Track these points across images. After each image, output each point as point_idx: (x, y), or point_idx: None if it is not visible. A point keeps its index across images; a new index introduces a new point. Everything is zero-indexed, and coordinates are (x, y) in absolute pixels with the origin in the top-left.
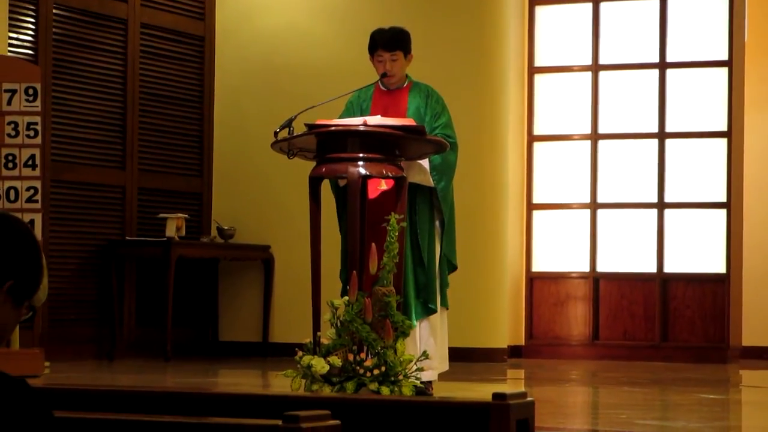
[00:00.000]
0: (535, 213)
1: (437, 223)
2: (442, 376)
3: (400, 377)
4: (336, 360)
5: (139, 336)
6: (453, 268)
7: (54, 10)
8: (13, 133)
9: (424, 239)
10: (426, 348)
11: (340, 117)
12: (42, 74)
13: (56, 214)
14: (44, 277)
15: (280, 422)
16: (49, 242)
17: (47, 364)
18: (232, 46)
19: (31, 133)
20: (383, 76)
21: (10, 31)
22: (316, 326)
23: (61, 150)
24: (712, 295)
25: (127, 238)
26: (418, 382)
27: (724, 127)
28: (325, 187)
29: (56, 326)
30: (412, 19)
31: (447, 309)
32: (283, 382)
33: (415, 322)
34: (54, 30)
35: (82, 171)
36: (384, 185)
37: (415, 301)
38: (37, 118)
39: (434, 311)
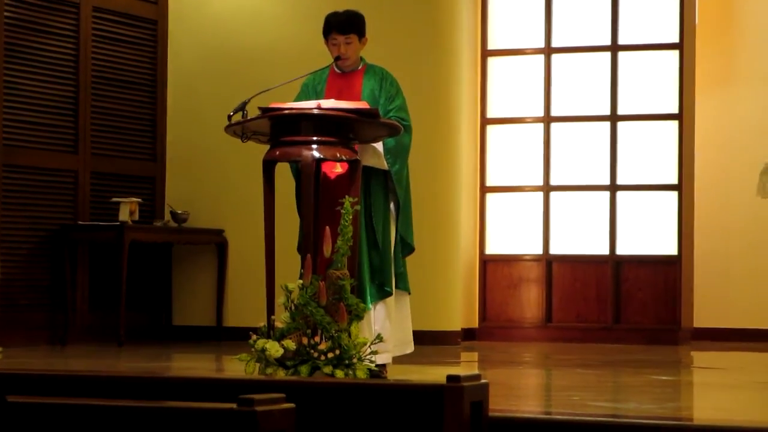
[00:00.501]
0: (489, 196)
1: (392, 206)
2: (401, 359)
3: (354, 360)
4: (290, 343)
5: (92, 321)
6: (410, 249)
7: None
8: None
9: (378, 222)
10: (381, 331)
11: (296, 100)
12: None
13: (8, 198)
14: None
15: (234, 406)
16: (1, 227)
17: (0, 349)
18: (184, 30)
19: None
20: (337, 59)
21: None
22: (270, 310)
23: (12, 134)
24: (664, 277)
25: (79, 222)
26: (373, 365)
27: (675, 110)
28: (279, 170)
29: (8, 311)
30: (365, 3)
31: (408, 293)
32: (237, 366)
33: (369, 305)
34: (6, 13)
35: (34, 155)
36: (339, 168)
37: (370, 284)
38: None
39: (390, 294)
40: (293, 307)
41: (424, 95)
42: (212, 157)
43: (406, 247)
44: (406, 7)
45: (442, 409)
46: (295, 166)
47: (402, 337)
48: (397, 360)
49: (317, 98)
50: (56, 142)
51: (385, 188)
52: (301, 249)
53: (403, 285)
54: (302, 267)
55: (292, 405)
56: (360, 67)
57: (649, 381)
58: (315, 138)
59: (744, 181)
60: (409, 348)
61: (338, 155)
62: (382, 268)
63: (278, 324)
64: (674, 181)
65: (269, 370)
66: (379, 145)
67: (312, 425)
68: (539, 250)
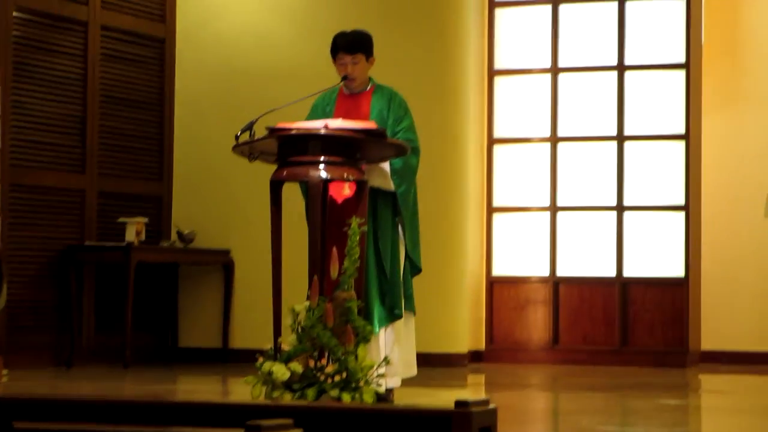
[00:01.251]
0: (495, 216)
1: (400, 227)
2: (408, 382)
3: (361, 383)
4: (297, 366)
5: (98, 342)
6: (417, 270)
7: (14, 13)
8: None
9: (386, 245)
10: (391, 354)
11: (306, 119)
12: (1, 77)
13: (15, 218)
14: (4, 284)
15: (242, 431)
16: (8, 248)
17: (5, 371)
18: (192, 49)
19: None
20: (344, 78)
21: None
22: (277, 332)
23: (19, 154)
24: (672, 298)
25: (86, 242)
26: (380, 388)
27: (682, 130)
28: (286, 190)
29: (14, 333)
30: (373, 22)
31: (414, 314)
32: (243, 389)
33: (377, 329)
34: (14, 32)
35: (41, 175)
36: (347, 190)
37: (379, 307)
38: None
39: (400, 317)
40: (300, 329)
41: (431, 115)
42: (219, 177)
43: (413, 268)
44: (413, 27)
45: None
46: (304, 186)
47: (408, 359)
48: (405, 383)
49: (325, 119)
50: (63, 162)
51: (392, 210)
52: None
53: (409, 306)
54: (309, 288)
55: (300, 430)
56: (368, 88)
57: (657, 405)
58: (322, 158)
59: (751, 201)
60: (413, 371)
61: (345, 175)
62: (391, 291)
63: (285, 346)
64: (681, 202)
65: (276, 393)
66: (385, 166)
67: None
68: (546, 272)
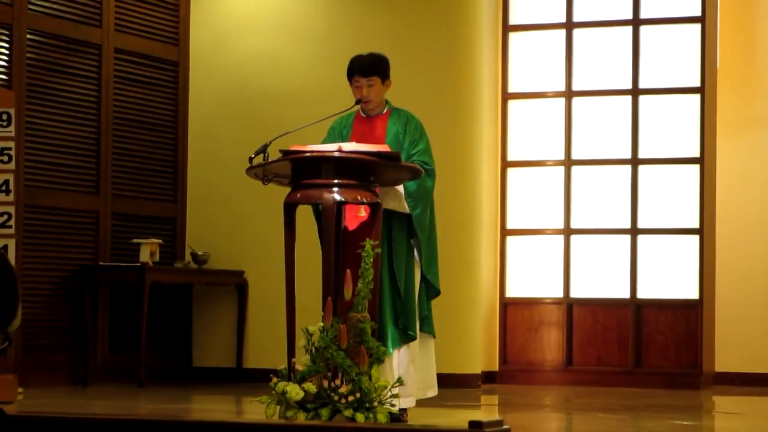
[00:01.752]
0: (509, 239)
1: (416, 249)
2: (422, 402)
3: (375, 404)
4: (311, 386)
5: (113, 362)
6: (436, 292)
7: (28, 35)
8: None
9: (400, 267)
10: (405, 375)
11: (323, 142)
12: (16, 99)
13: (30, 239)
14: (19, 307)
15: None
16: (23, 268)
17: (20, 390)
18: (206, 72)
19: (5, 158)
20: (358, 101)
21: None
22: (291, 352)
23: (34, 175)
24: (685, 320)
25: (100, 263)
26: (394, 408)
27: (696, 154)
28: (300, 213)
29: (29, 352)
30: (387, 45)
31: (433, 336)
32: (257, 409)
33: (391, 350)
34: (28, 55)
35: (56, 196)
36: (363, 212)
37: (393, 327)
38: (11, 144)
39: (414, 338)
40: (314, 350)
41: (445, 137)
42: (233, 198)
43: (431, 289)
44: (428, 50)
45: None
46: (316, 210)
47: (426, 380)
48: (419, 403)
49: (342, 141)
50: (78, 183)
51: (408, 232)
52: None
53: (428, 328)
54: (323, 309)
55: None
56: (385, 111)
57: (671, 426)
58: (336, 181)
59: (766, 224)
60: (433, 391)
61: (359, 198)
62: (406, 312)
63: (299, 366)
64: (696, 224)
65: (290, 413)
66: (401, 188)
67: None
68: (560, 293)
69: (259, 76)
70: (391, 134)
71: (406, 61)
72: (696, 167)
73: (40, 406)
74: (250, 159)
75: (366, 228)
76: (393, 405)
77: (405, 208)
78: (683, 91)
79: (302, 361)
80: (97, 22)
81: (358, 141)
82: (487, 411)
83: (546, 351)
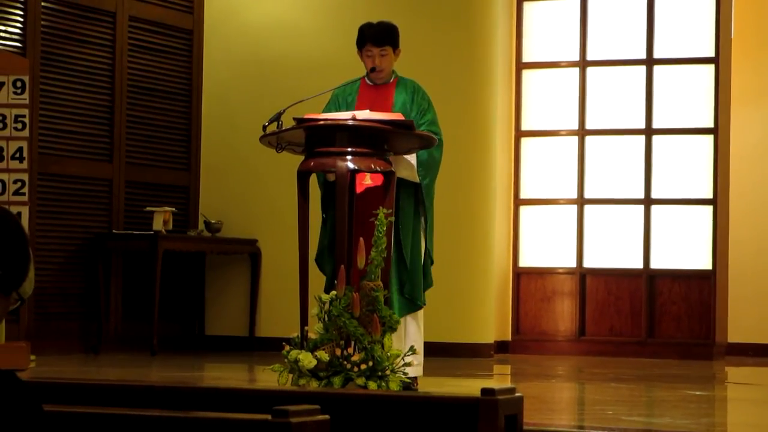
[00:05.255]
0: (522, 208)
1: (422, 219)
2: (433, 372)
3: (387, 372)
4: (323, 354)
5: (126, 330)
6: (432, 262)
7: (42, 3)
8: (0, 125)
9: (407, 236)
10: (414, 344)
11: (325, 110)
12: (30, 67)
13: (43, 207)
14: (31, 268)
15: (269, 417)
16: (36, 235)
17: (33, 357)
18: (220, 40)
19: (19, 125)
20: (372, 70)
21: None
22: (304, 321)
23: (48, 143)
24: (698, 291)
25: (114, 231)
26: (405, 377)
27: (710, 124)
28: (313, 181)
29: (42, 320)
30: (399, 14)
31: (423, 304)
32: (270, 377)
33: (398, 318)
34: (42, 23)
35: (70, 164)
36: (369, 180)
37: (398, 296)
38: (25, 111)
39: (421, 307)
40: (326, 318)
41: (459, 107)
42: (246, 167)
43: (429, 259)
44: (441, 20)
45: (476, 422)
46: (322, 177)
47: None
48: (430, 372)
49: (348, 109)
50: (91, 151)
51: (414, 201)
52: (319, 260)
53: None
54: (333, 277)
55: (326, 417)
56: (392, 80)
57: (683, 396)
58: (350, 149)
59: None
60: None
61: (373, 166)
62: (412, 281)
63: (311, 335)
64: (709, 195)
65: (302, 381)
66: (412, 158)
67: None
68: (573, 263)
69: (273, 43)
70: (398, 103)
71: (419, 30)
72: (710, 138)
73: (53, 373)
74: (264, 127)
75: (372, 194)
76: (405, 373)
77: (416, 177)
78: (697, 61)
79: (315, 329)
80: None
81: (366, 109)
82: (499, 380)
83: (559, 321)
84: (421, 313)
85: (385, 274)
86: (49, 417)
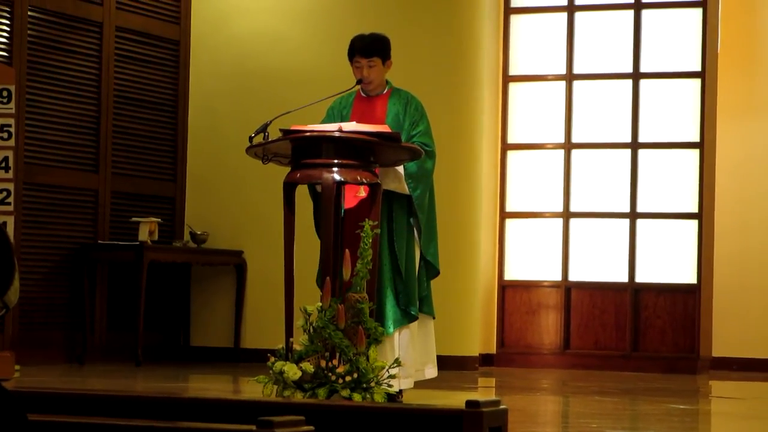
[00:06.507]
0: (508, 221)
1: (415, 230)
2: (418, 383)
3: (372, 384)
4: (308, 366)
5: (110, 340)
6: (435, 272)
7: (29, 12)
8: None
9: (401, 247)
10: (404, 356)
11: (323, 121)
12: (16, 76)
13: (29, 216)
14: (16, 276)
15: (254, 427)
16: (21, 245)
17: (17, 367)
18: (207, 51)
19: (5, 135)
20: (359, 82)
21: None
22: (289, 332)
23: (34, 152)
24: (683, 305)
25: (99, 241)
26: (391, 389)
27: (696, 138)
28: (299, 192)
29: (27, 329)
30: (387, 27)
31: (433, 317)
32: (254, 388)
33: (392, 329)
34: (29, 32)
35: (55, 174)
36: (363, 193)
37: (394, 308)
38: (11, 120)
39: (415, 318)
40: (312, 330)
41: (446, 120)
42: (232, 178)
43: (431, 270)
44: (429, 32)
45: None
46: (313, 190)
47: (425, 361)
48: (416, 384)
49: (342, 121)
50: (77, 161)
51: (408, 212)
52: (319, 280)
53: (427, 309)
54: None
55: (311, 428)
56: (385, 91)
57: (667, 410)
58: (336, 161)
59: (764, 210)
60: (432, 372)
61: (359, 178)
62: (407, 291)
63: (296, 346)
64: (694, 209)
65: (287, 393)
66: (400, 169)
67: None
68: (558, 277)
69: (260, 54)
70: (391, 114)
71: (407, 42)
72: (696, 152)
73: (37, 383)
74: (250, 138)
75: (364, 207)
76: (390, 386)
77: (405, 188)
78: (684, 75)
79: (300, 340)
80: None
81: (359, 121)
82: (484, 393)
83: (544, 334)
84: (415, 326)
85: (371, 286)
86: (33, 426)
